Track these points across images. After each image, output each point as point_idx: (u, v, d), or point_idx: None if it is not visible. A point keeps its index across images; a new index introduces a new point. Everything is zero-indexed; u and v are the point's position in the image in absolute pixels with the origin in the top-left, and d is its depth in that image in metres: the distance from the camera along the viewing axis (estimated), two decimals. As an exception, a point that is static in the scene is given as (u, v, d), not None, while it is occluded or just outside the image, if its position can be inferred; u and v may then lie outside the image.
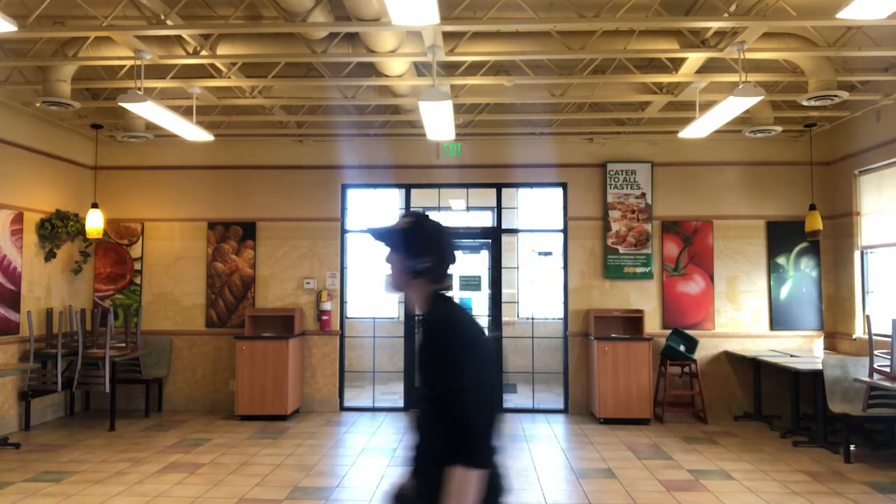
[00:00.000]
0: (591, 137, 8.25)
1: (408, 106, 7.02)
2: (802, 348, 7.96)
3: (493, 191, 8.46)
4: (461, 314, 1.97)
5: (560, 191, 8.42)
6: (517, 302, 10.33)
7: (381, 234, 2.05)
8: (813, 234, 7.49)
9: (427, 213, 2.11)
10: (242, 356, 7.65)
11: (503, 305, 8.47)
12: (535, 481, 5.39)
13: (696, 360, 7.77)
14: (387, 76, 6.04)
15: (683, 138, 7.24)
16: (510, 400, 8.74)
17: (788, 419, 7.30)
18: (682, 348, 7.77)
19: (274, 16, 5.15)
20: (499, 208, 8.44)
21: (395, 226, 2.03)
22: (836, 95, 5.62)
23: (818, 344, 7.99)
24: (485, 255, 9.61)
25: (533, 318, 9.53)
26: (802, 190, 8.09)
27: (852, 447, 6.10)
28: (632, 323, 7.98)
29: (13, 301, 7.06)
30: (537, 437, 6.91)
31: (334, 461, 6.03)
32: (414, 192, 8.54)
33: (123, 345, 7.74)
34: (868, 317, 6.38)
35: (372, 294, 9.95)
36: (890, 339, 5.67)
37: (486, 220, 9.73)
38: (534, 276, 10.57)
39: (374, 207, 9.64)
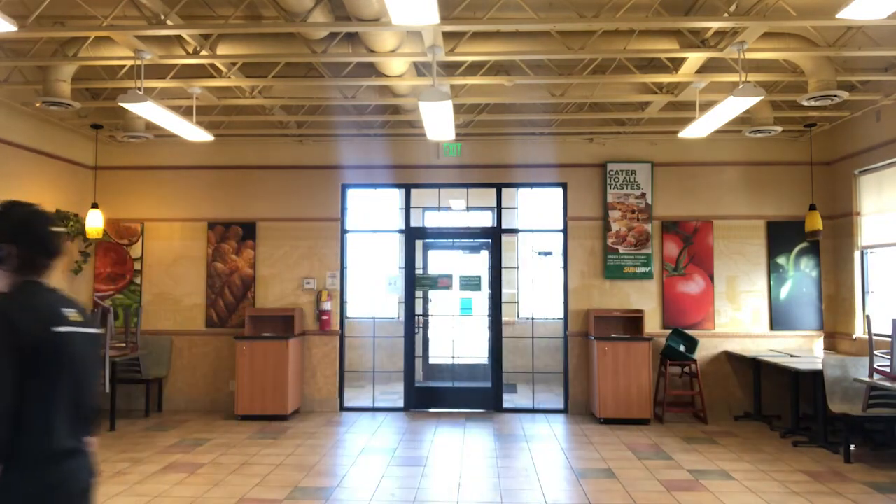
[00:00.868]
0: (591, 137, 8.25)
1: (408, 106, 7.02)
2: (802, 348, 7.96)
3: (493, 191, 8.46)
4: (28, 306, 1.91)
5: (560, 191, 8.42)
6: (517, 302, 10.33)
7: None
8: (813, 234, 7.49)
9: (25, 202, 2.07)
10: (242, 356, 7.65)
11: (503, 305, 8.47)
12: (535, 481, 5.39)
13: (696, 360, 7.78)
14: (387, 76, 6.04)
15: (683, 138, 7.24)
16: (510, 400, 8.74)
17: (788, 419, 7.30)
18: (682, 348, 7.77)
19: (274, 16, 5.15)
20: (499, 208, 8.44)
21: None
22: (836, 95, 5.62)
23: (818, 344, 7.99)
24: (485, 255, 9.61)
25: (533, 318, 9.52)
26: (802, 190, 8.10)
27: (852, 447, 6.10)
28: (632, 323, 7.98)
29: (13, 301, 7.04)
30: (537, 437, 6.91)
31: (334, 461, 6.03)
32: (414, 192, 8.54)
33: (123, 345, 7.74)
34: (868, 317, 6.38)
35: (372, 294, 9.94)
36: (890, 339, 5.66)
37: (486, 220, 9.73)
38: (534, 276, 10.56)
39: (374, 207, 9.64)
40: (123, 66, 6.16)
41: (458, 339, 9.09)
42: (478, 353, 9.63)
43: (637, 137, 8.24)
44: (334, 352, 8.29)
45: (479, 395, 8.33)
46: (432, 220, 9.45)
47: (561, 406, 8.30)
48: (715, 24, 5.03)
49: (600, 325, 7.95)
